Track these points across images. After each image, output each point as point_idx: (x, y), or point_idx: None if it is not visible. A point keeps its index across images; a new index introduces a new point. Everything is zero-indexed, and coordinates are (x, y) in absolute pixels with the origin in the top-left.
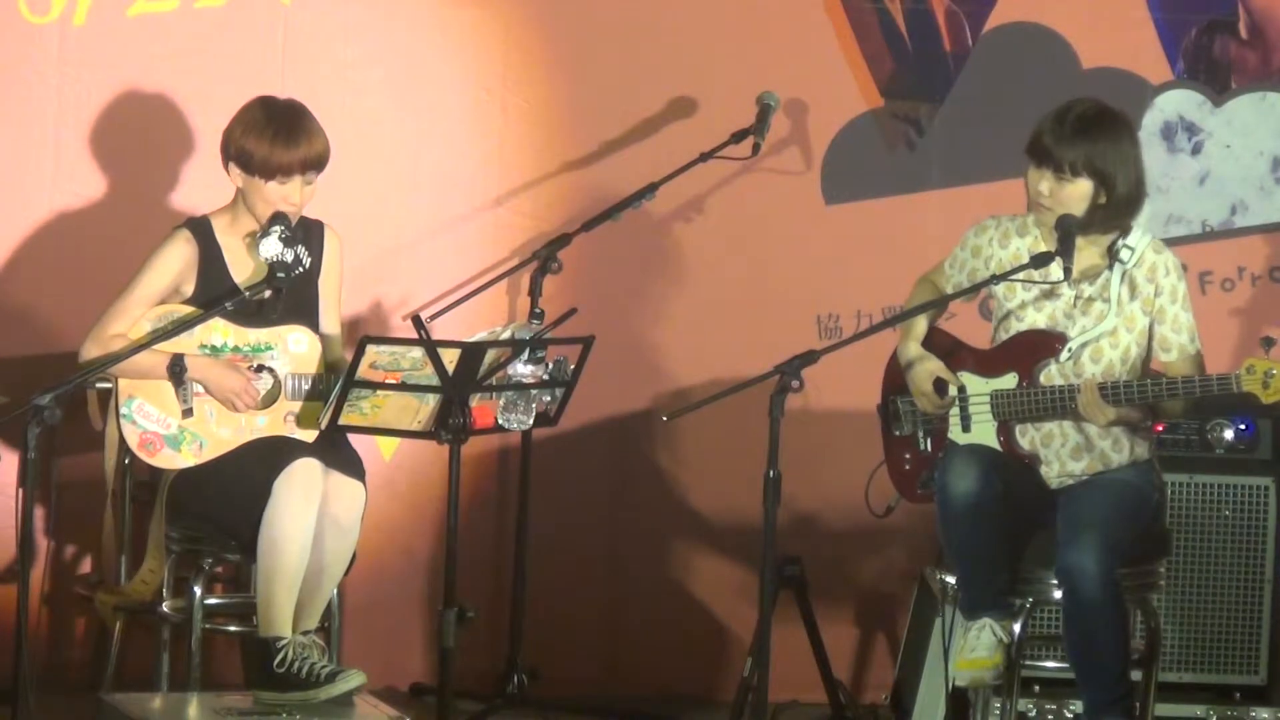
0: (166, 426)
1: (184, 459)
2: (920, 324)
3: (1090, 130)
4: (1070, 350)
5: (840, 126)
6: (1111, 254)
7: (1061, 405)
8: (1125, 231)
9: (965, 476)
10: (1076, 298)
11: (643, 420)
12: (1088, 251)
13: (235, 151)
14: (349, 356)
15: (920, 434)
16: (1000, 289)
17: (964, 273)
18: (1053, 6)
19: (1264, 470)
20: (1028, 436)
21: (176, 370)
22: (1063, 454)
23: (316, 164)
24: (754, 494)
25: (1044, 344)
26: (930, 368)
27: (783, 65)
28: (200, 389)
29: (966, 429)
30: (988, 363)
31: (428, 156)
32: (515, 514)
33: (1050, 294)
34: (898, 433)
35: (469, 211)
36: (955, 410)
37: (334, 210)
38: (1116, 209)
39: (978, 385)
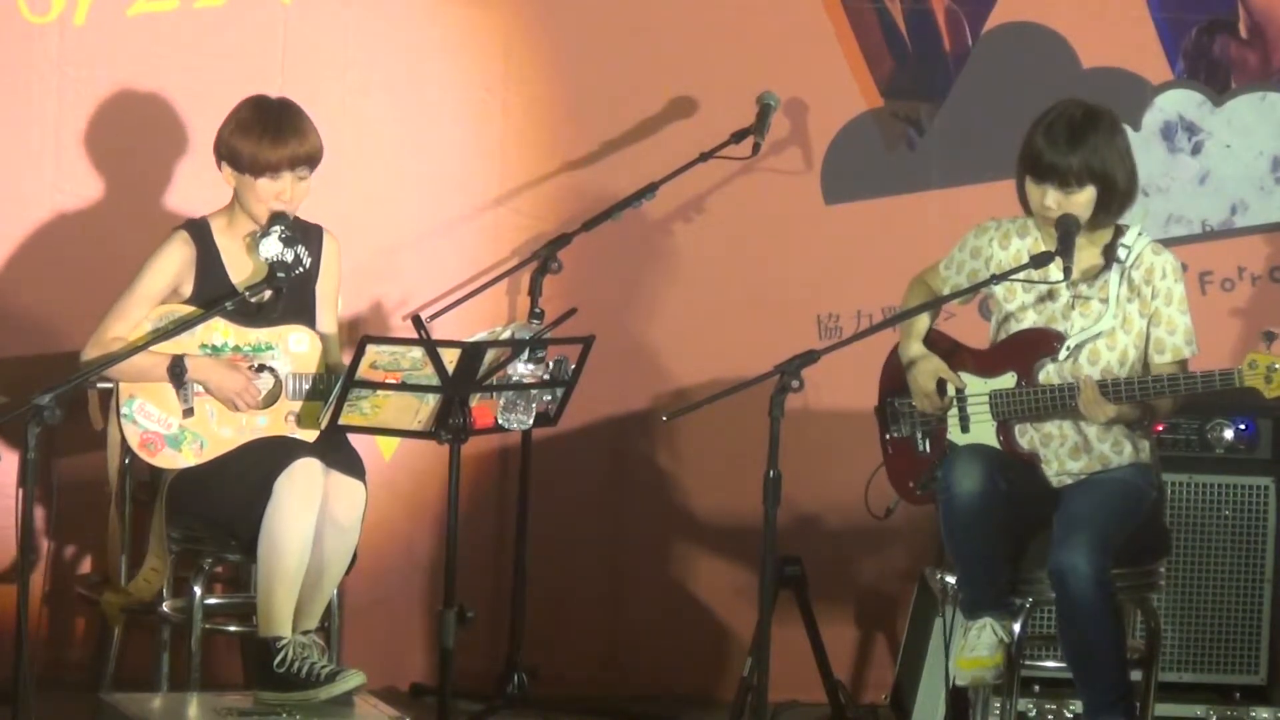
0: (167, 426)
1: (185, 459)
2: (921, 322)
3: (1084, 135)
4: (1068, 349)
5: (840, 126)
6: (1108, 254)
7: (1061, 404)
8: (1121, 230)
9: (970, 476)
10: (1074, 298)
11: (643, 420)
12: (1086, 251)
13: (226, 151)
14: (346, 358)
15: (919, 435)
16: (1000, 291)
17: (962, 274)
18: (1053, 6)
19: (1264, 470)
20: (1027, 436)
21: (177, 371)
22: (1061, 454)
23: (307, 160)
24: (754, 494)
25: (1042, 342)
26: (932, 367)
27: (783, 65)
28: (201, 389)
29: (965, 429)
30: (986, 363)
31: (428, 156)
32: (515, 514)
33: (1049, 295)
34: (895, 434)
35: (469, 211)
36: (954, 411)
37: (334, 210)
38: (1119, 205)
39: (977, 385)
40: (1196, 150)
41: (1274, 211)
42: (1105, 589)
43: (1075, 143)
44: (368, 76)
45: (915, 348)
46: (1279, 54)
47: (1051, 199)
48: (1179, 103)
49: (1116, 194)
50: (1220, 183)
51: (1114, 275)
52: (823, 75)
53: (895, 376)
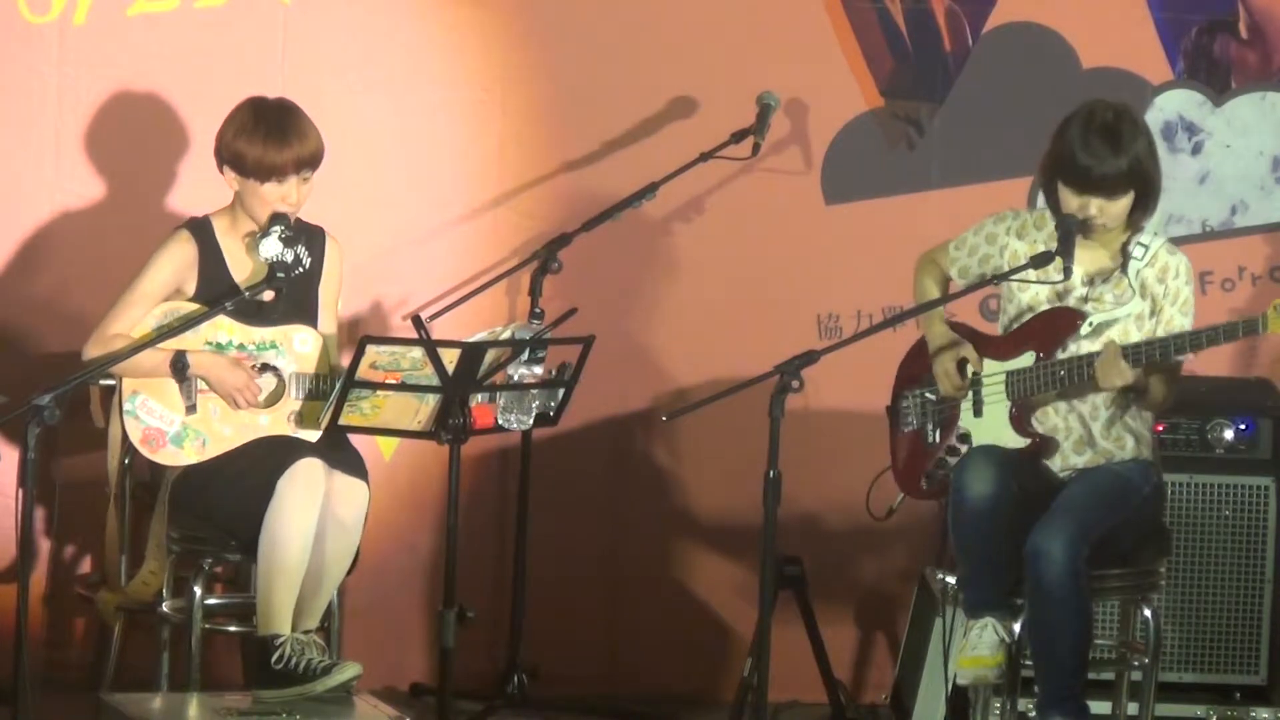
0: (170, 423)
1: (186, 456)
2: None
3: (1123, 142)
4: (1091, 324)
5: (840, 126)
6: (1125, 252)
7: (1078, 374)
8: (1138, 228)
9: (982, 479)
10: (1087, 298)
11: (643, 420)
12: (1100, 252)
13: (229, 155)
14: (345, 359)
15: (930, 425)
16: (1014, 284)
17: (974, 257)
18: (1053, 6)
19: (1264, 470)
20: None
21: (179, 366)
22: (1065, 447)
23: (310, 162)
24: (754, 494)
25: (1065, 320)
26: (956, 348)
27: (783, 65)
28: (204, 385)
29: (979, 413)
30: (1005, 347)
31: (428, 156)
32: (515, 514)
33: (1063, 293)
34: (905, 429)
35: (469, 211)
36: (969, 394)
37: (334, 210)
38: (1155, 201)
39: (993, 367)
40: (1196, 150)
41: (1274, 211)
42: (1077, 578)
43: (1118, 151)
44: (368, 76)
45: (938, 327)
46: (1279, 54)
47: (1095, 207)
48: (1179, 103)
49: (1154, 192)
50: (1220, 183)
51: (1131, 271)
52: (823, 75)
53: (909, 371)
